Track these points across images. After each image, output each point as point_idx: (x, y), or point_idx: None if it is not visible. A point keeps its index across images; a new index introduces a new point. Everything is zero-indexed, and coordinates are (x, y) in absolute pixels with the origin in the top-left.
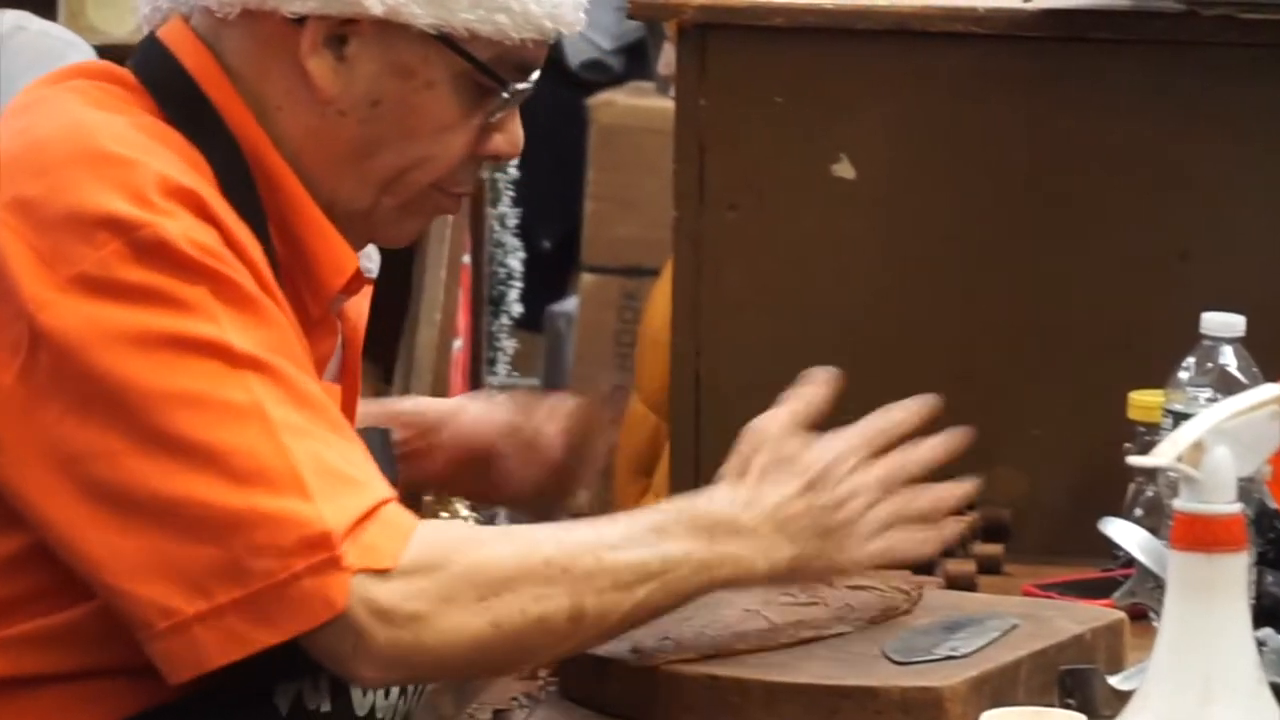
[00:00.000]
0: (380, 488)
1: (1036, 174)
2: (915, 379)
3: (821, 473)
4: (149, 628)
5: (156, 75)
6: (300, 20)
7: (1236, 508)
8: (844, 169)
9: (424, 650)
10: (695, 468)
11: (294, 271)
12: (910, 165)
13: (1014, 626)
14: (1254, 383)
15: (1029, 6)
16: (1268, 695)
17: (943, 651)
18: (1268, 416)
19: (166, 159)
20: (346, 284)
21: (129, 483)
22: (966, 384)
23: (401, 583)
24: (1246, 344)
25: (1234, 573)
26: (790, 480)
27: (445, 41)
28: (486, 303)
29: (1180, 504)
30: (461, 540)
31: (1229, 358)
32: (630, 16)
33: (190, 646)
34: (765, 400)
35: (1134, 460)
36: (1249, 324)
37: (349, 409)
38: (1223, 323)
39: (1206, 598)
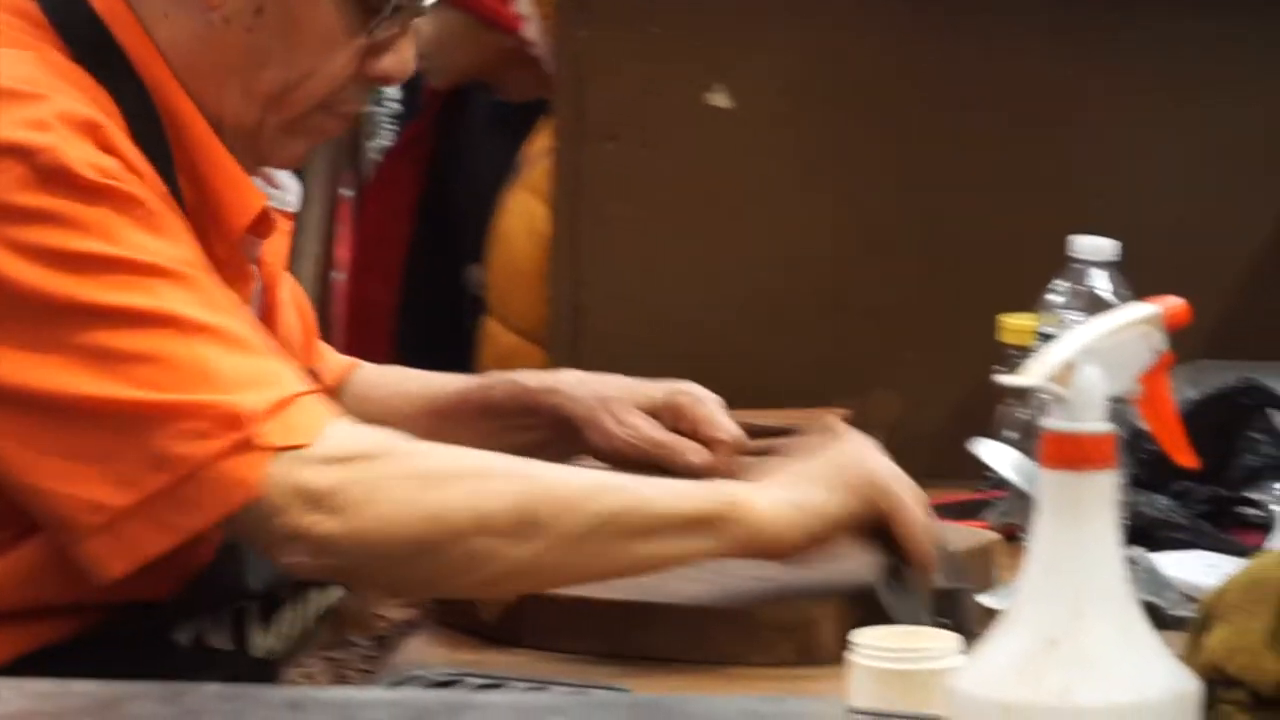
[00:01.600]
0: (298, 383)
1: (914, 102)
2: (792, 305)
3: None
4: (79, 526)
5: (63, 14)
6: None
7: (1106, 426)
8: (721, 99)
9: (354, 537)
10: None
11: (200, 213)
12: (788, 94)
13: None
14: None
15: None
16: (1136, 610)
17: None
18: (1138, 336)
19: (71, 95)
20: (254, 225)
21: (49, 389)
22: (842, 309)
23: (331, 468)
24: (1123, 269)
25: (1103, 491)
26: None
27: None
28: None
29: (1050, 423)
30: (392, 432)
31: (1100, 281)
32: None
33: (122, 539)
34: (646, 332)
35: (1005, 380)
36: (1125, 249)
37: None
38: (1093, 246)
39: (1076, 516)
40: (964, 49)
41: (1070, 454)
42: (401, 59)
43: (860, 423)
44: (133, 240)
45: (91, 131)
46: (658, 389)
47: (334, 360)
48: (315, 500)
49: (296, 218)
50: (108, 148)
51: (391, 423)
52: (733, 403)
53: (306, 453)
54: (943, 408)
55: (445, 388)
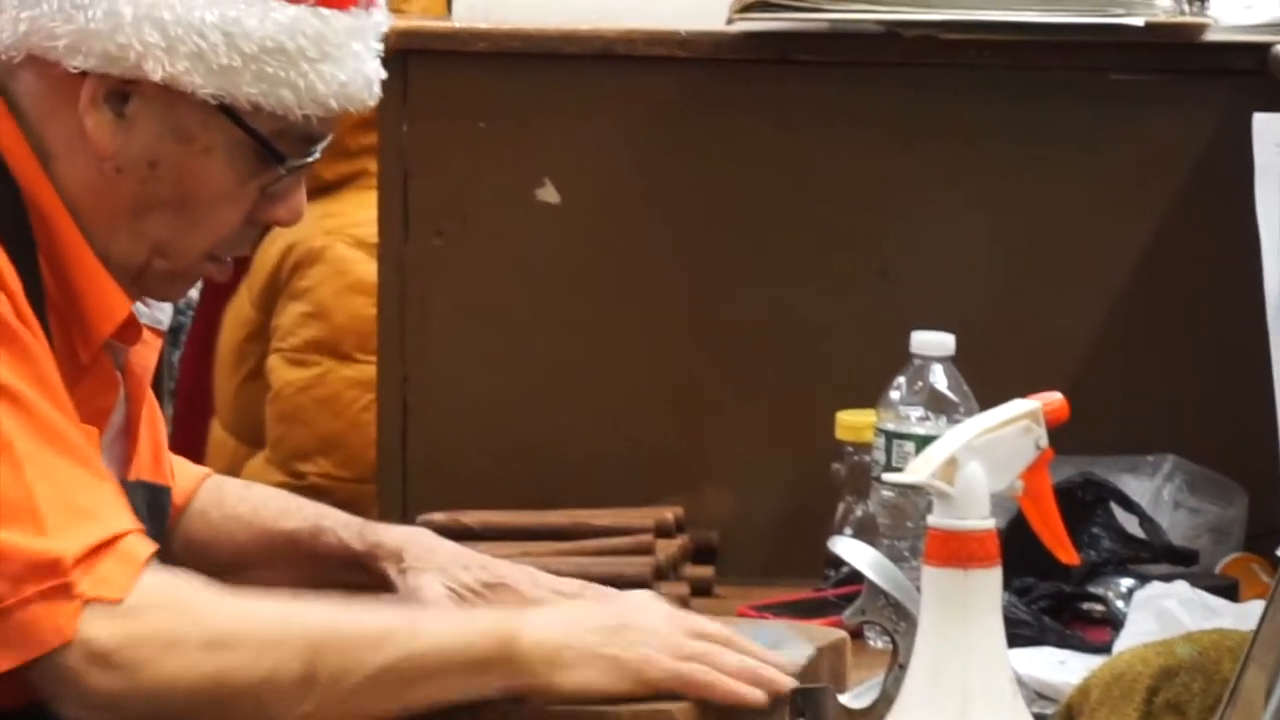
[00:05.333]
0: (120, 521)
1: (739, 195)
2: (622, 402)
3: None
4: None
5: None
6: (84, 73)
7: (990, 523)
8: (549, 193)
9: (137, 695)
10: (403, 498)
11: (64, 312)
12: (615, 189)
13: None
14: (964, 401)
15: (731, 29)
16: (1022, 707)
17: None
18: (1019, 432)
19: None
20: (119, 331)
21: None
22: (672, 406)
23: (125, 622)
24: (958, 364)
25: (989, 587)
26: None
27: (226, 112)
28: (165, 334)
29: (935, 520)
30: (197, 585)
31: (939, 376)
32: None
33: None
34: (472, 424)
35: (890, 477)
36: (959, 344)
37: (126, 466)
38: (933, 342)
39: (962, 612)
40: (792, 144)
41: (956, 551)
42: (293, 206)
43: (694, 520)
44: None
45: None
46: (480, 575)
47: (187, 472)
48: (105, 659)
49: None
50: None
51: (223, 546)
52: (566, 500)
53: (112, 607)
54: (777, 506)
55: (279, 524)
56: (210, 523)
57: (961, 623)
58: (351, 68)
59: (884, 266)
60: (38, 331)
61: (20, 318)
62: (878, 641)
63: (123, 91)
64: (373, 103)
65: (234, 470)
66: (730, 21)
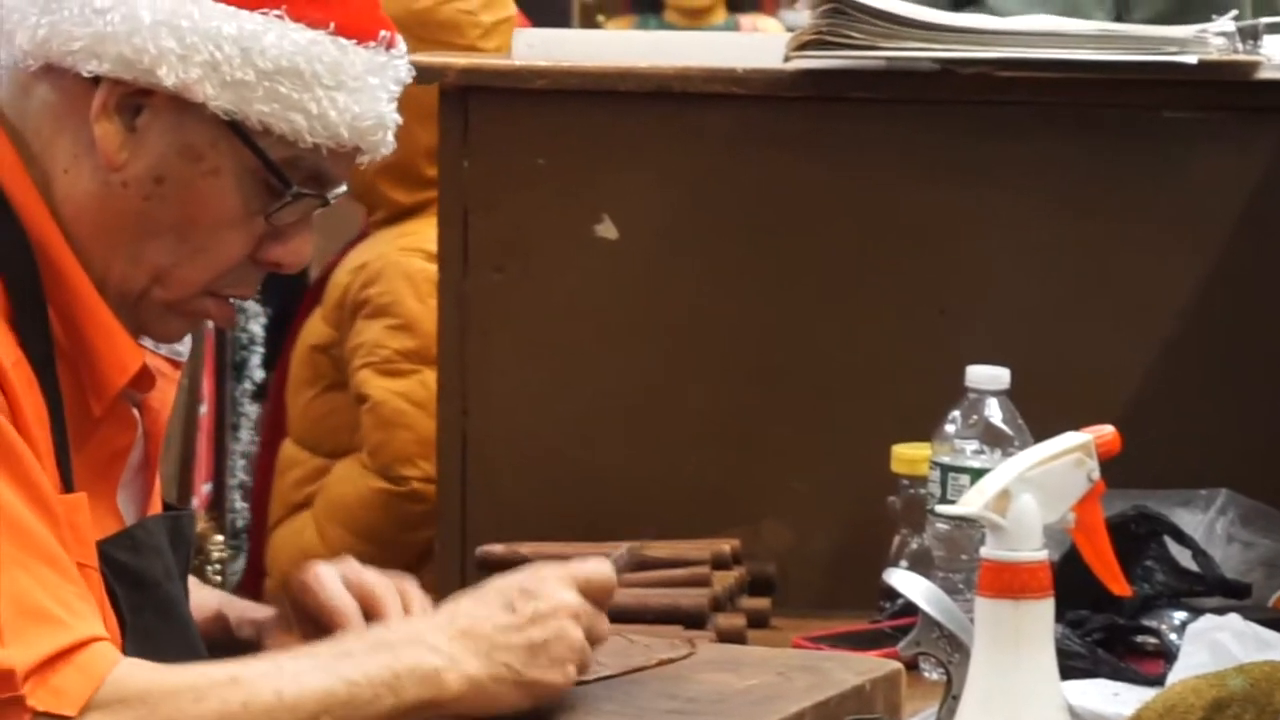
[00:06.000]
0: (84, 628)
1: (796, 232)
2: (679, 436)
3: (521, 593)
4: None
5: None
6: (96, 81)
7: (1043, 554)
8: (607, 229)
9: None
10: (461, 529)
11: (76, 364)
12: (672, 225)
13: None
14: (1019, 435)
15: (788, 67)
16: None
17: None
18: (1071, 464)
19: None
20: (133, 381)
21: None
22: (731, 440)
23: None
24: (1013, 398)
25: (1041, 619)
26: (490, 599)
27: (236, 130)
28: (230, 368)
29: (987, 551)
30: (149, 685)
31: (994, 410)
32: None
33: None
34: (531, 456)
35: (943, 509)
36: (1015, 378)
37: (146, 501)
38: (988, 376)
39: (1014, 643)
40: (846, 180)
41: (1008, 583)
42: (296, 250)
43: (751, 552)
44: None
45: None
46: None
47: None
48: None
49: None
50: None
51: None
52: (623, 534)
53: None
54: (833, 538)
55: (206, 604)
56: None
57: (1013, 654)
58: (366, 103)
59: (940, 302)
60: (27, 393)
61: (5, 392)
62: (932, 673)
63: (135, 104)
64: (385, 149)
65: (309, 481)
66: (787, 59)
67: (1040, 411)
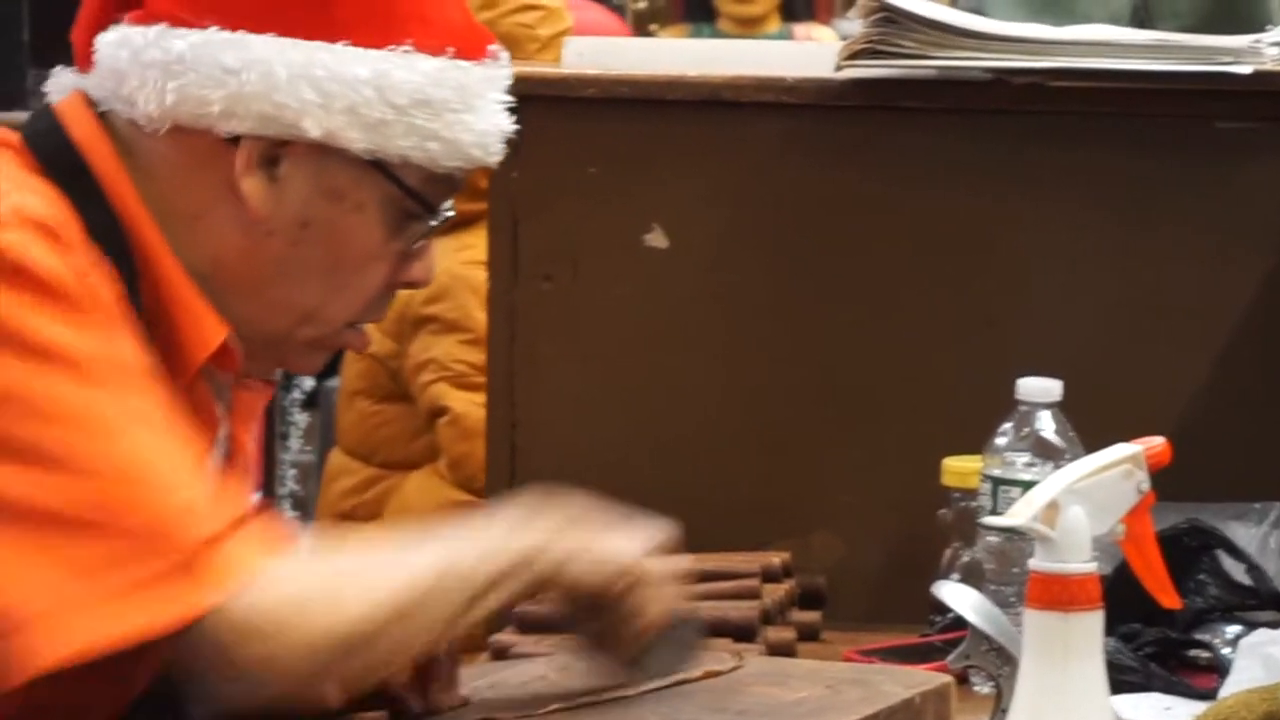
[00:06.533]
0: (235, 506)
1: (847, 241)
2: (729, 447)
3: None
4: (14, 612)
5: (43, 140)
6: (234, 139)
7: (1092, 566)
8: (657, 239)
9: (288, 656)
10: None
11: (160, 338)
12: (723, 234)
13: None
14: (1070, 447)
15: (839, 76)
16: None
17: None
18: (1120, 476)
19: (33, 192)
20: (215, 358)
21: (5, 495)
22: (780, 452)
23: (261, 599)
24: (1065, 410)
25: (1090, 631)
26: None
27: (378, 167)
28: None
29: (1036, 564)
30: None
31: (1045, 423)
32: None
33: (58, 630)
34: (580, 467)
35: (991, 521)
36: (1066, 390)
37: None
38: (1039, 388)
39: (1062, 655)
40: (897, 189)
41: (1057, 595)
42: (429, 265)
43: (802, 565)
44: (93, 342)
45: (45, 229)
46: None
47: None
48: (244, 631)
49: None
50: (63, 244)
51: None
52: (673, 545)
53: (241, 590)
54: (884, 551)
55: None
56: None
57: (1062, 666)
58: (489, 118)
59: (991, 314)
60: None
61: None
62: (983, 686)
63: (275, 155)
64: (499, 157)
65: (358, 491)
66: (838, 68)
67: (1092, 424)
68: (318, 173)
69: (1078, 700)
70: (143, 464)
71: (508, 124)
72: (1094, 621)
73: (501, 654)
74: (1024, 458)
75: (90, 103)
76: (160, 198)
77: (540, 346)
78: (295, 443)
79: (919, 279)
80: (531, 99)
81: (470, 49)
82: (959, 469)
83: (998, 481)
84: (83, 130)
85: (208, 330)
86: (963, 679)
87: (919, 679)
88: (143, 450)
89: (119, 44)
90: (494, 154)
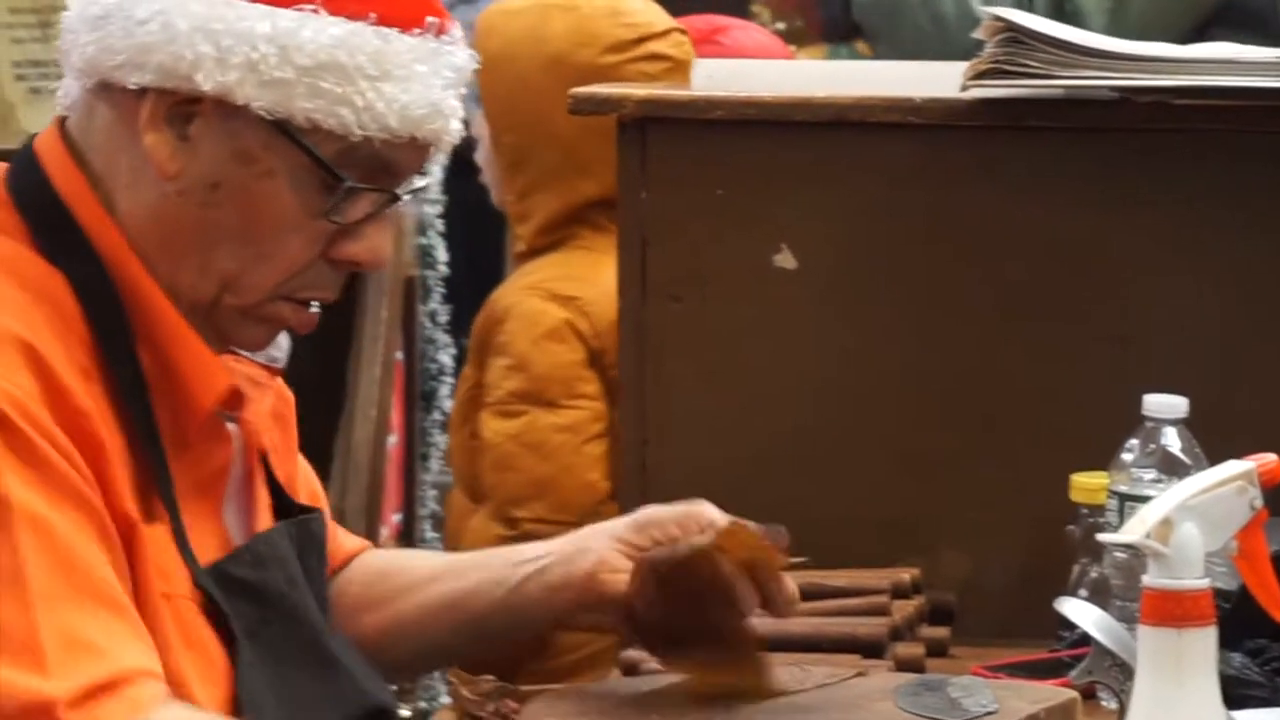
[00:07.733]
0: (129, 659)
1: (973, 261)
2: (858, 465)
3: None
4: None
5: (26, 191)
6: (143, 93)
7: (1205, 582)
8: (785, 259)
9: None
10: None
11: (167, 391)
12: (851, 255)
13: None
14: (1196, 463)
15: (965, 96)
16: None
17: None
18: (1234, 492)
19: (7, 300)
20: (223, 402)
21: None
22: (909, 469)
23: None
24: (1190, 426)
25: (1204, 647)
26: None
27: (283, 130)
28: (419, 399)
29: (1149, 580)
30: None
31: (1172, 439)
32: (572, 112)
33: None
34: (710, 488)
35: (1105, 537)
36: (1191, 406)
37: (252, 514)
38: (1166, 404)
39: (1175, 671)
40: (1024, 209)
41: (1171, 611)
42: (372, 246)
43: (931, 582)
44: (10, 476)
45: (18, 347)
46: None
47: (345, 542)
48: None
49: (350, 379)
50: (35, 363)
51: (407, 614)
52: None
53: None
54: (1012, 568)
55: (458, 588)
56: (376, 592)
57: (1175, 682)
58: (417, 91)
59: (1118, 330)
60: (105, 424)
61: (88, 436)
62: (1110, 701)
63: (186, 113)
64: (448, 137)
65: (463, 527)
66: (964, 88)
67: (1218, 440)
68: (227, 134)
69: (1192, 715)
70: (36, 629)
71: (447, 102)
72: (1208, 637)
73: (631, 670)
74: (1150, 474)
75: (61, 123)
76: (108, 180)
77: (669, 366)
78: (435, 464)
79: (1046, 297)
80: (659, 121)
81: (400, 17)
82: (1087, 485)
83: (1124, 497)
84: (59, 170)
85: (212, 375)
86: (1089, 694)
87: (1044, 694)
88: (40, 613)
89: (73, 5)
90: (427, 128)
